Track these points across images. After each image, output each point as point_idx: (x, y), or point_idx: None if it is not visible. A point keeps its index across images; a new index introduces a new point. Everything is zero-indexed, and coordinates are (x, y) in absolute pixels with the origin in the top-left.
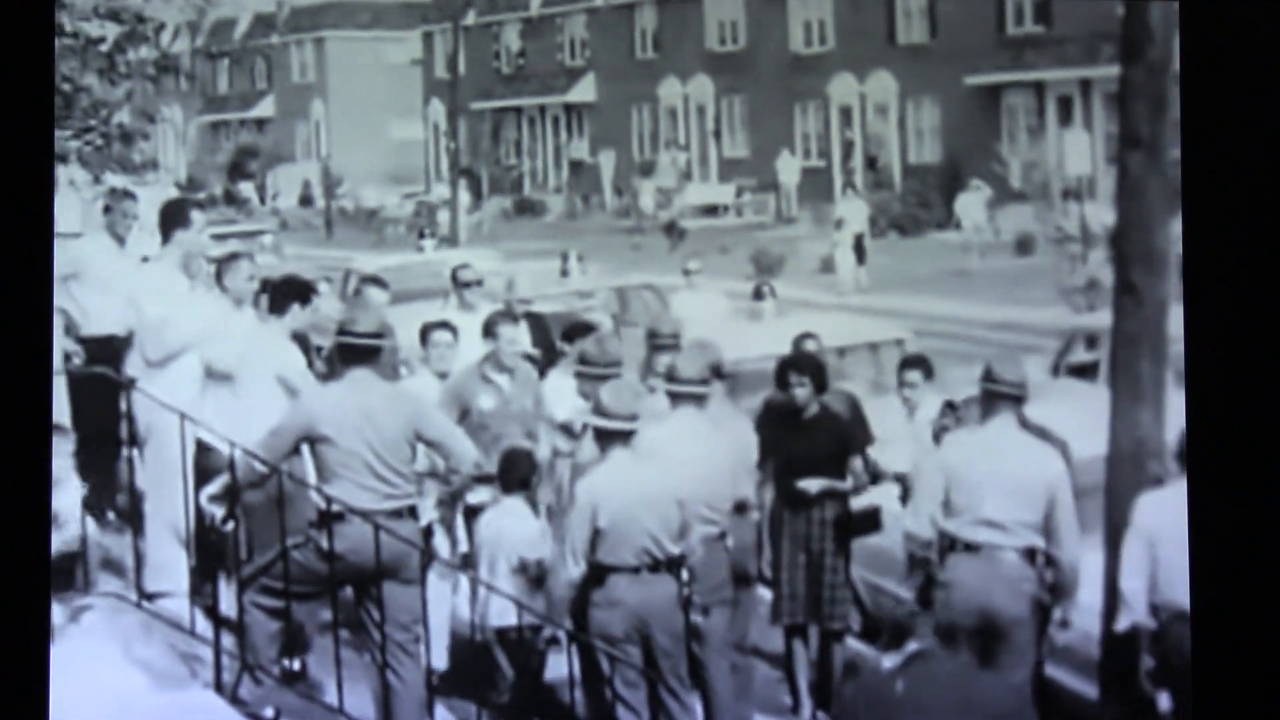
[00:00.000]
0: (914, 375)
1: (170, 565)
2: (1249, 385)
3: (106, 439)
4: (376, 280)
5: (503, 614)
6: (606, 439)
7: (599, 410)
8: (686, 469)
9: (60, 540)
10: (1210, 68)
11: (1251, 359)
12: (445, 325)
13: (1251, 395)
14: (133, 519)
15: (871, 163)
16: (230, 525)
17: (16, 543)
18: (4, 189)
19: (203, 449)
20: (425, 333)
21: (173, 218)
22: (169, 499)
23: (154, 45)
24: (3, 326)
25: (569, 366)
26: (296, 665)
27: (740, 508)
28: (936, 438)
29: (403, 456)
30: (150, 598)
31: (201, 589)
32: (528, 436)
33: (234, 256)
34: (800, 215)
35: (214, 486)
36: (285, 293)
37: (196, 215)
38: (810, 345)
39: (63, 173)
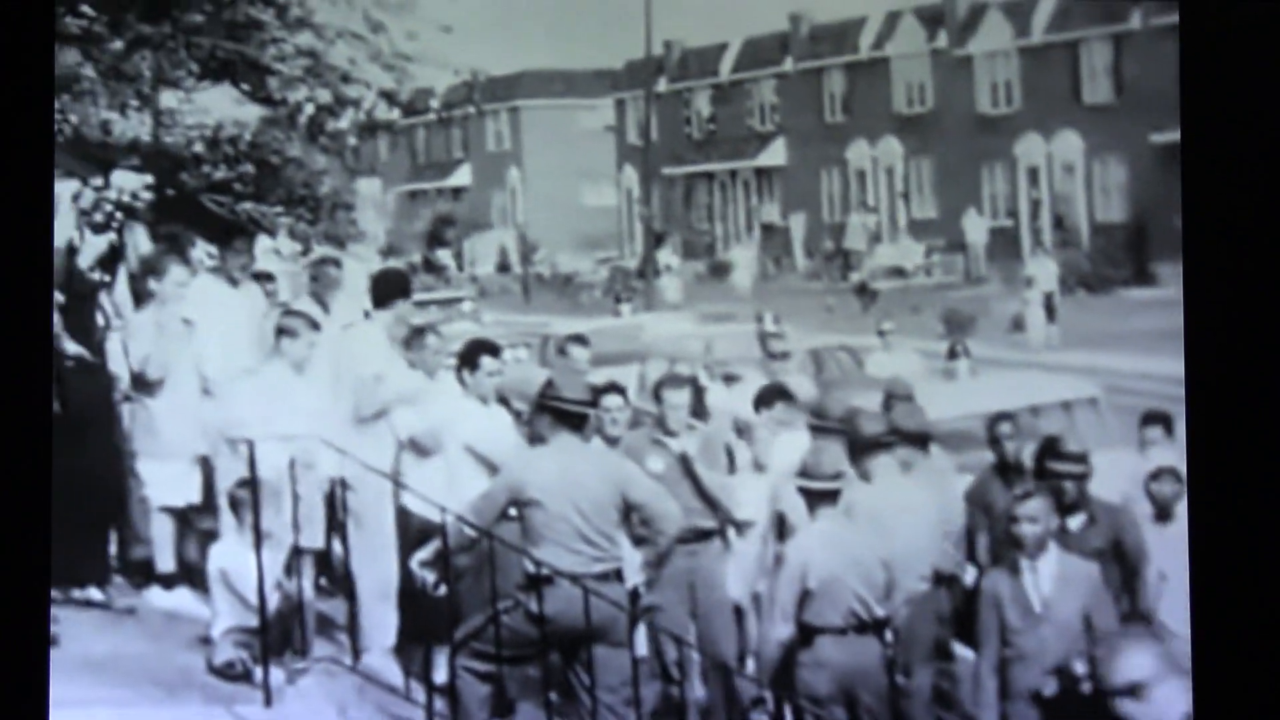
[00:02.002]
0: (1154, 433)
1: (381, 629)
2: (1249, 386)
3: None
4: (579, 339)
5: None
6: (814, 499)
7: (805, 472)
8: (893, 529)
9: (279, 602)
10: (1210, 68)
11: (1252, 360)
12: (616, 388)
13: (1252, 395)
14: (346, 582)
15: (1059, 222)
16: (442, 590)
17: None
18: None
19: (407, 516)
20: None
21: (392, 286)
22: (380, 563)
23: (357, 112)
24: (3, 329)
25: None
26: None
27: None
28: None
29: (609, 519)
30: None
31: (412, 653)
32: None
33: (420, 332)
34: (989, 275)
35: (425, 552)
36: (474, 348)
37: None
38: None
39: (268, 243)
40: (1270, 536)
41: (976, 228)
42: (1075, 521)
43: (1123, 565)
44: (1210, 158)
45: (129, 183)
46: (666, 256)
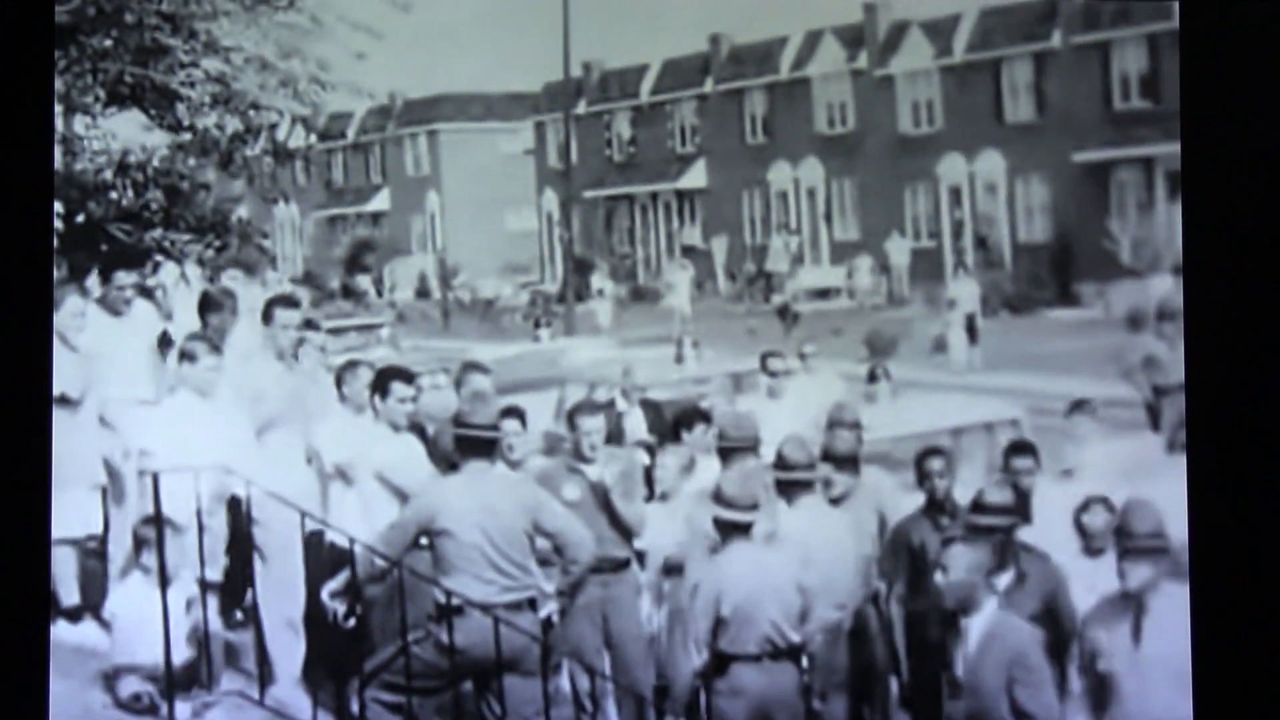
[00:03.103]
0: (1025, 462)
1: (288, 659)
2: (1249, 387)
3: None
4: (478, 366)
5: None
6: (728, 528)
7: (721, 500)
8: (809, 556)
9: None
10: (1210, 67)
11: (1252, 360)
12: (515, 412)
13: (1252, 396)
14: (254, 616)
15: (982, 242)
16: (352, 621)
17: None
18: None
19: (318, 544)
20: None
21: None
22: (288, 595)
23: (270, 139)
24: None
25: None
26: None
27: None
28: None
29: (522, 548)
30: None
31: (322, 684)
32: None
33: (353, 364)
34: (912, 296)
35: (335, 582)
36: (386, 375)
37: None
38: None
39: (173, 270)
40: (1270, 538)
41: (899, 249)
42: (1002, 580)
43: (1057, 631)
44: (1211, 157)
45: None
46: (599, 280)
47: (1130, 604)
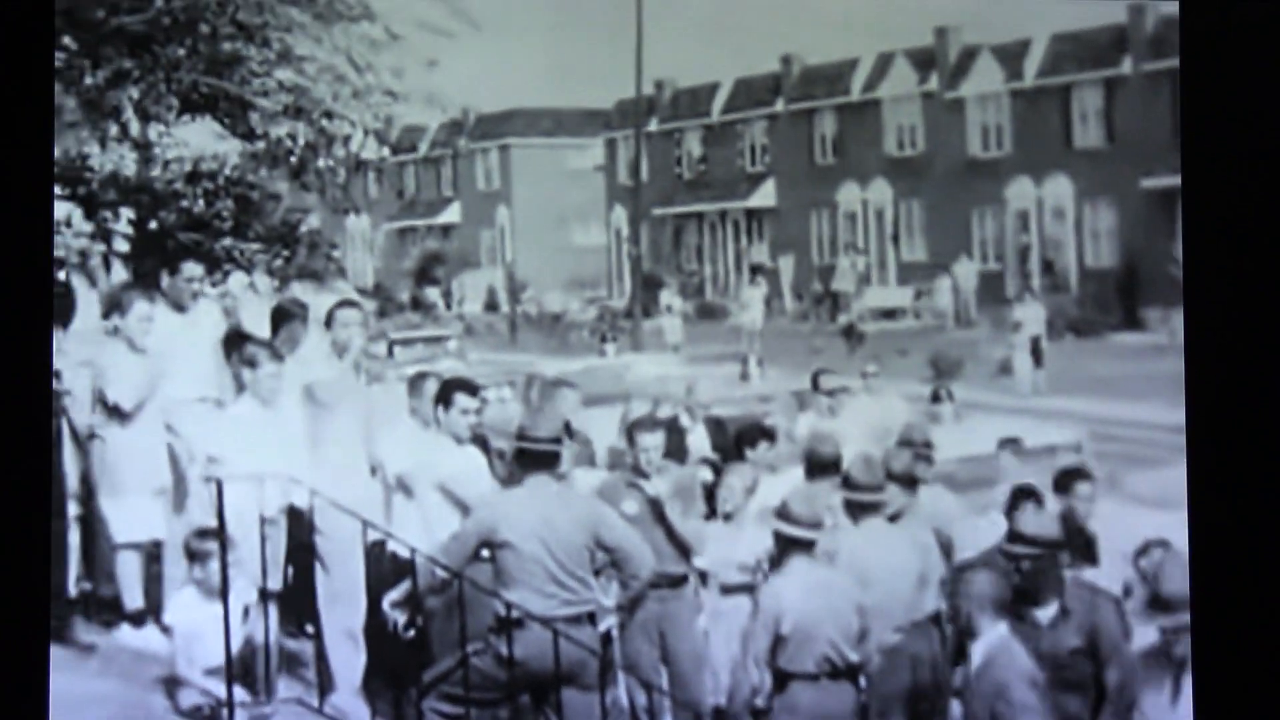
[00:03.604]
0: (1085, 488)
1: (349, 668)
2: (1250, 388)
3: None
4: (565, 382)
5: None
6: (789, 545)
7: (785, 516)
8: (868, 577)
9: (241, 642)
10: (1210, 67)
11: (1252, 361)
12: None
13: (1253, 396)
14: (315, 625)
15: (1048, 266)
16: (412, 632)
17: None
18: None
19: (380, 554)
20: None
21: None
22: (349, 604)
23: (343, 149)
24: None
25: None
26: None
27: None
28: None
29: (581, 561)
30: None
31: (381, 694)
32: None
33: (422, 376)
34: (979, 319)
35: (396, 593)
36: (450, 386)
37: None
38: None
39: (242, 279)
40: (1270, 541)
41: (966, 272)
42: (1045, 613)
43: (1094, 663)
44: (1211, 157)
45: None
46: (668, 297)
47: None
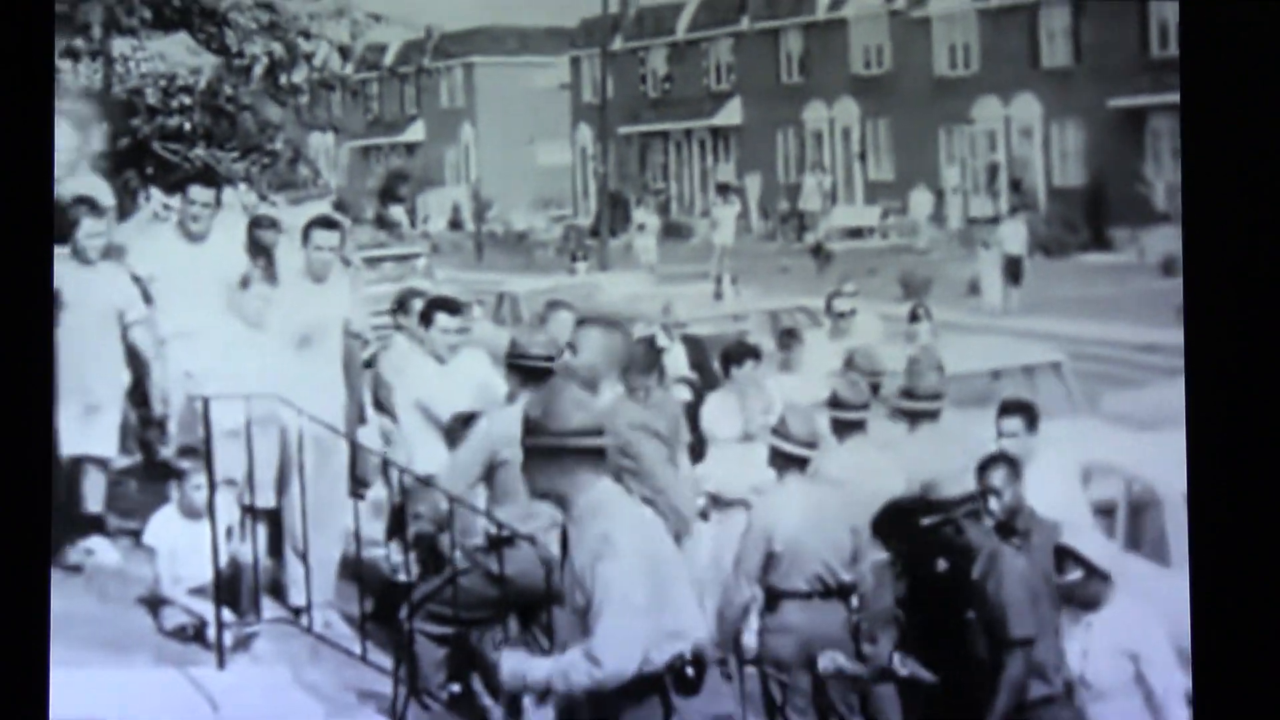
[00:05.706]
0: (1013, 424)
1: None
2: (1249, 388)
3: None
4: (564, 304)
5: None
6: (784, 462)
7: (781, 433)
8: (860, 497)
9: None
10: (1210, 68)
11: (1252, 361)
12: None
13: (1252, 397)
14: (304, 542)
15: (1016, 185)
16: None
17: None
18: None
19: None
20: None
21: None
22: (335, 526)
23: (310, 67)
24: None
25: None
26: (457, 688)
27: None
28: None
29: None
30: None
31: (370, 614)
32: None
33: (412, 294)
34: (944, 238)
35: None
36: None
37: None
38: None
39: (231, 196)
40: (1269, 539)
41: (925, 201)
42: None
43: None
44: (1211, 157)
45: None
46: (642, 216)
47: None
